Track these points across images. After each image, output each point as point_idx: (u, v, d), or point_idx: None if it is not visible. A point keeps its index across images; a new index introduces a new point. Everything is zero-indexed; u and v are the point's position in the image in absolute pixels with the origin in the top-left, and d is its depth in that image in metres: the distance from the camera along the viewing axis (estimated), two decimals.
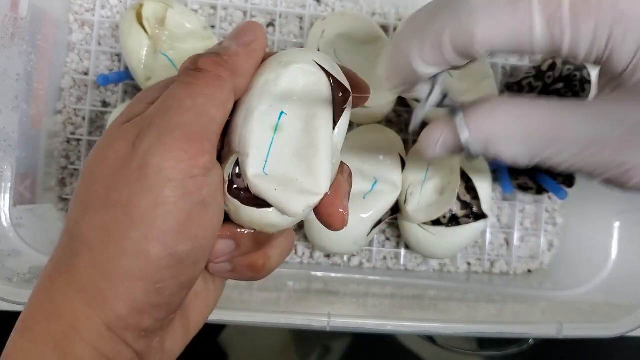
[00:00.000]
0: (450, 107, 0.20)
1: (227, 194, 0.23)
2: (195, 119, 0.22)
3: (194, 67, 0.24)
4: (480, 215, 0.49)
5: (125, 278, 0.21)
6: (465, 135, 0.20)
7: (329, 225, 0.25)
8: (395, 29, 0.53)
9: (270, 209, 0.23)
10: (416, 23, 0.18)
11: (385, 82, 0.21)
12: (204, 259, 0.23)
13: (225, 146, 0.25)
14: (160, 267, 0.21)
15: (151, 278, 0.21)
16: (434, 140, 0.21)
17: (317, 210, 0.25)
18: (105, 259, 0.21)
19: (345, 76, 0.25)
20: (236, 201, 0.23)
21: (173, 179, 0.21)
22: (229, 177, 0.24)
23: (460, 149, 0.20)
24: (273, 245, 0.27)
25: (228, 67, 0.24)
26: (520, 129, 0.19)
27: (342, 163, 0.26)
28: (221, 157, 0.25)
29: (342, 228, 0.25)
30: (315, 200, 0.24)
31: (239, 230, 0.25)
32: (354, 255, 0.53)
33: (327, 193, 0.24)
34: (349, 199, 0.26)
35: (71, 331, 0.21)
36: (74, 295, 0.21)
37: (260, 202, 0.24)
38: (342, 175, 0.25)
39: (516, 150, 0.19)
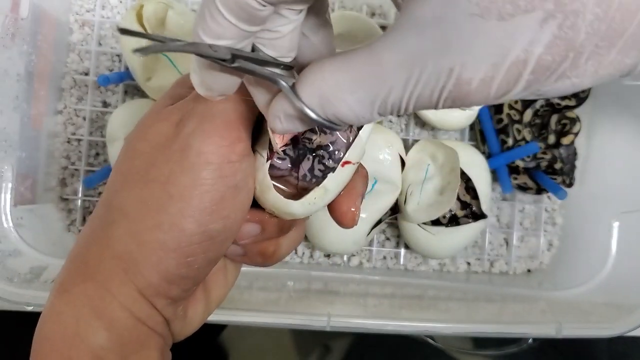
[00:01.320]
0: (272, 79, 0.20)
1: (267, 173, 0.24)
2: (234, 107, 0.23)
3: None
4: (479, 215, 0.49)
5: (159, 249, 0.22)
6: (298, 103, 0.19)
7: (340, 223, 0.26)
8: None
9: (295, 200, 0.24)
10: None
11: (200, 89, 0.22)
12: (231, 238, 0.25)
13: (263, 118, 0.26)
14: (193, 242, 0.23)
15: (183, 251, 0.23)
16: (276, 114, 0.21)
17: (330, 207, 0.26)
18: (141, 229, 0.22)
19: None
20: (271, 182, 0.24)
21: (212, 162, 0.22)
22: (267, 155, 0.25)
23: (306, 119, 0.20)
24: (285, 234, 0.28)
25: None
26: (348, 79, 0.18)
27: (359, 164, 0.27)
28: (257, 128, 0.26)
29: (353, 226, 0.26)
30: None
31: (266, 216, 0.26)
32: (353, 255, 0.53)
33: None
34: (362, 199, 0.27)
35: (106, 294, 0.23)
36: (109, 260, 0.23)
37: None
38: (359, 175, 0.26)
39: (352, 104, 0.19)
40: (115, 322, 0.23)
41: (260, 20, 0.18)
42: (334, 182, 0.25)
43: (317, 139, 0.25)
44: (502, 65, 0.16)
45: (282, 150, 0.25)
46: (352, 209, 0.26)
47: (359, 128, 0.25)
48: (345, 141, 0.25)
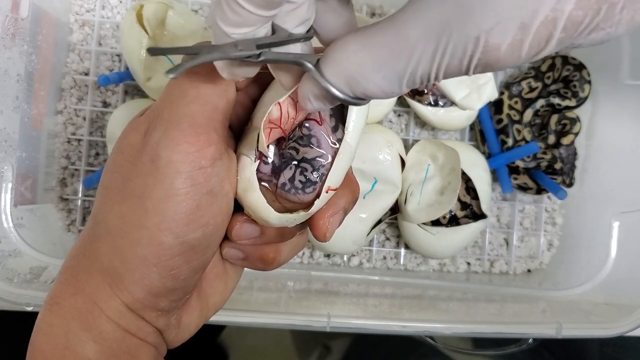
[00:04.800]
0: (298, 63, 0.20)
1: (255, 172, 0.24)
2: (200, 109, 0.23)
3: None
4: (479, 216, 0.49)
5: (141, 264, 0.22)
6: (325, 84, 0.19)
7: (313, 235, 0.25)
8: None
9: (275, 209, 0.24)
10: None
11: (224, 73, 0.21)
12: (215, 243, 0.24)
13: (249, 121, 0.26)
14: (173, 254, 0.22)
15: (165, 265, 0.22)
16: (305, 95, 0.20)
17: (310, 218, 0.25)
18: (123, 245, 0.22)
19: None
20: (257, 182, 0.24)
21: (182, 171, 0.22)
22: (255, 156, 0.24)
23: (333, 97, 0.20)
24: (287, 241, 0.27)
25: None
26: (373, 57, 0.18)
27: (350, 179, 0.26)
28: (243, 132, 0.26)
29: (324, 241, 0.25)
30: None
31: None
32: (353, 255, 0.53)
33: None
34: (342, 216, 0.26)
35: (95, 308, 0.23)
36: (96, 275, 0.23)
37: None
38: (343, 189, 0.25)
39: (379, 82, 0.18)
40: (104, 335, 0.23)
41: (277, 3, 0.18)
42: (318, 207, 0.24)
43: (304, 150, 0.24)
44: (530, 27, 0.16)
45: (265, 156, 0.25)
46: (327, 225, 0.25)
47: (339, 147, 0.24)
48: (332, 156, 0.24)
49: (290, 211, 0.24)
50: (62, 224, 0.50)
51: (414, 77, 0.18)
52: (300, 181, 0.24)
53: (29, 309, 0.37)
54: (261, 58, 0.19)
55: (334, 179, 0.24)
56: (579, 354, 0.55)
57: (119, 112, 0.46)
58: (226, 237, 0.26)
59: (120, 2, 0.51)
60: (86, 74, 0.51)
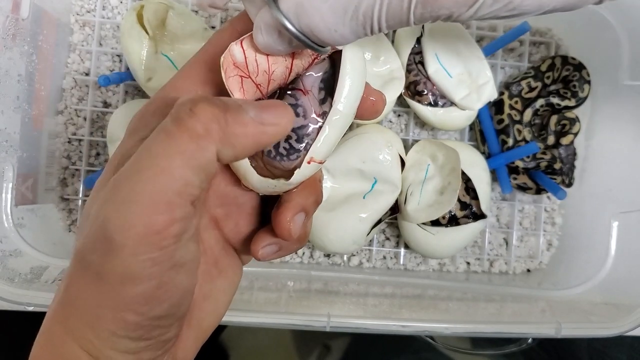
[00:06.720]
0: None
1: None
2: (166, 185, 0.19)
3: (190, 106, 0.20)
4: (479, 215, 0.49)
5: (112, 337, 0.21)
6: (275, 11, 0.19)
7: (276, 232, 0.25)
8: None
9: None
10: None
11: None
12: (185, 305, 0.23)
13: None
14: (140, 327, 0.21)
15: (136, 336, 0.21)
16: (258, 24, 0.20)
17: (273, 212, 0.25)
18: (91, 319, 0.21)
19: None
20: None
21: (139, 253, 0.19)
22: None
23: (284, 31, 0.20)
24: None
25: (224, 130, 0.20)
26: None
27: (313, 182, 0.26)
28: None
29: (287, 239, 0.25)
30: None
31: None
32: (353, 255, 0.53)
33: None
34: (304, 214, 0.25)
35: None
36: (72, 345, 0.22)
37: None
38: (305, 187, 0.25)
39: (325, 13, 0.19)
40: None
41: None
42: (300, 177, 0.24)
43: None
44: None
45: None
46: (288, 221, 0.24)
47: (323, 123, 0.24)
48: (317, 128, 0.24)
49: (275, 169, 0.25)
50: (62, 224, 0.50)
51: (357, 13, 0.19)
52: (284, 148, 0.24)
53: (30, 308, 0.37)
54: None
55: (318, 150, 0.24)
56: (567, 347, 0.55)
57: (120, 112, 0.46)
58: (256, 236, 0.25)
59: (121, 2, 0.52)
60: (87, 74, 0.51)
